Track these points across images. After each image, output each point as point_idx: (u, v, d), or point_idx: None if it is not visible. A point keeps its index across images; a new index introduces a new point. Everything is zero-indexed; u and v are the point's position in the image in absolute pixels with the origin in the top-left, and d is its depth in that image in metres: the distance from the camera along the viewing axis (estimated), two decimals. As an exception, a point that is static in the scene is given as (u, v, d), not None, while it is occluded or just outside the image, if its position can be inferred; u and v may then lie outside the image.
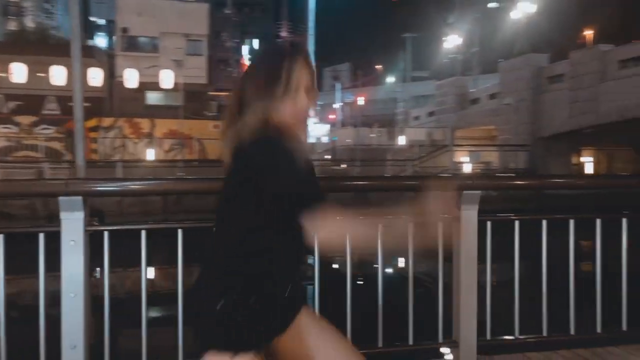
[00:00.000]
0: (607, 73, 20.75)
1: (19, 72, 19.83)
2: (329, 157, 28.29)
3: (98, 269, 2.72)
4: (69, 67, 21.36)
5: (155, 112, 23.65)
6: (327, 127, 50.22)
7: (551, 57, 25.02)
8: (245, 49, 41.29)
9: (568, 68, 22.29)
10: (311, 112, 1.52)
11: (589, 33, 39.65)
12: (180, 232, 2.65)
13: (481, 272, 2.94)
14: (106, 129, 22.85)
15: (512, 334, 3.06)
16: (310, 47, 55.04)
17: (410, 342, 2.97)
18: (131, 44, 24.39)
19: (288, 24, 51.86)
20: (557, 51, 26.58)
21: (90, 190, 2.52)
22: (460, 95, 30.37)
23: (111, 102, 23.81)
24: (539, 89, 23.57)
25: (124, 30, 24.28)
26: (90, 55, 23.95)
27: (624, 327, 3.17)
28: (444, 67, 41.83)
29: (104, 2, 37.29)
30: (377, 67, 62.89)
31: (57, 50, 24.38)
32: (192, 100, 23.07)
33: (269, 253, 1.47)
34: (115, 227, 2.65)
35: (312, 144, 38.10)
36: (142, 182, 2.67)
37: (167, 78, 22.22)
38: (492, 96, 27.58)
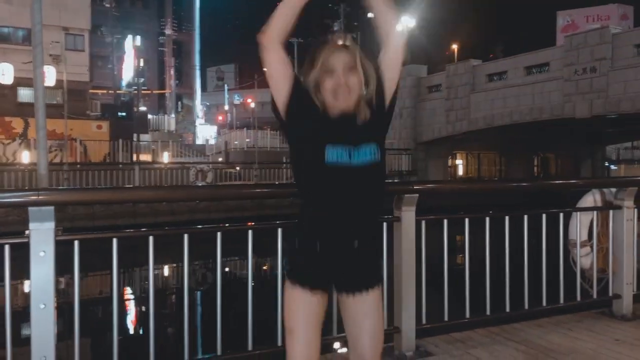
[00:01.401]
0: (476, 85, 23.16)
1: None
2: (222, 159, 27.95)
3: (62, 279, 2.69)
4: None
5: (29, 110, 21.63)
6: (215, 128, 49.44)
7: (428, 68, 27.26)
8: (127, 45, 39.14)
9: (444, 79, 24.48)
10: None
11: (455, 47, 43.80)
12: (151, 239, 2.73)
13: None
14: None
15: (442, 319, 3.55)
16: (196, 46, 53.83)
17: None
18: (0, 35, 22.11)
19: (172, 22, 50.16)
20: (433, 63, 29.05)
21: (63, 200, 2.50)
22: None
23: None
24: (419, 98, 25.58)
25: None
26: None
27: (526, 306, 3.84)
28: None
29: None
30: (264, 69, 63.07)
31: None
32: (73, 99, 21.46)
33: None
34: (86, 236, 2.65)
35: (203, 145, 37.32)
36: (111, 192, 2.69)
37: (47, 74, 20.43)
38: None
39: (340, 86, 1.75)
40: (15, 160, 19.72)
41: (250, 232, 2.95)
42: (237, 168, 22.77)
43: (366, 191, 1.80)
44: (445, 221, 3.55)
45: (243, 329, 2.89)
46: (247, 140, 30.12)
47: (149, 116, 36.28)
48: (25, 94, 22.64)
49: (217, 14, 59.42)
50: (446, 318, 3.56)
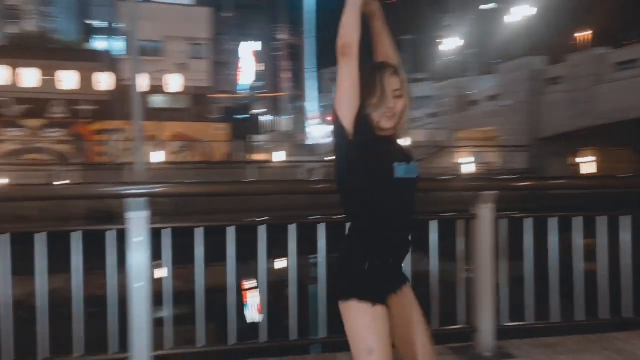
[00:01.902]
0: (603, 75, 21.14)
1: (26, 76, 20.10)
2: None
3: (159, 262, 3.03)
4: (76, 70, 21.72)
5: (159, 115, 23.97)
6: (330, 128, 50.28)
7: (548, 60, 25.42)
8: (242, 52, 41.49)
9: (566, 70, 22.67)
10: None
11: (583, 35, 40.13)
12: (232, 229, 2.96)
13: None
14: (112, 132, 23.15)
15: (523, 320, 3.40)
16: (305, 49, 55.46)
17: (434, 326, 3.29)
18: (139, 49, 24.76)
19: (286, 27, 52.17)
20: (553, 54, 27.01)
21: (155, 192, 2.84)
22: (460, 97, 30.75)
23: (118, 105, 24.13)
24: (537, 91, 23.95)
25: (129, 34, 24.59)
26: (96, 59, 24.24)
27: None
28: (442, 68, 42.25)
29: (104, 5, 37.55)
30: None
31: (64, 54, 24.67)
32: (195, 103, 23.36)
33: None
34: (175, 225, 2.97)
35: (312, 145, 38.42)
36: (201, 185, 2.99)
37: (173, 81, 22.52)
38: (491, 98, 27.95)
39: (389, 111, 1.88)
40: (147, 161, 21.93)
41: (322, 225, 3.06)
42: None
43: (415, 200, 1.98)
44: (531, 220, 3.39)
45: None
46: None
47: (265, 118, 38.12)
48: (156, 101, 25.08)
49: (335, 15, 60.42)
50: (531, 320, 3.41)
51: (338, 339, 2.70)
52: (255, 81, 36.74)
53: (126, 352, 2.86)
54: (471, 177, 4.05)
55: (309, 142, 45.02)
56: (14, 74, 20.95)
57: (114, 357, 2.92)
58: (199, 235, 2.98)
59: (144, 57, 24.64)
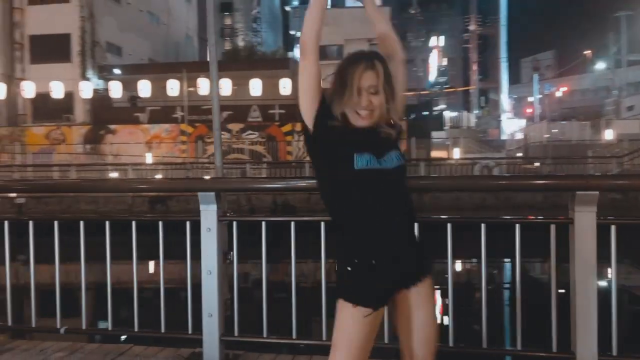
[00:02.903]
0: None
1: (226, 86, 22.94)
2: (520, 155, 26.39)
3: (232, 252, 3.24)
4: (263, 79, 24.10)
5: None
6: (523, 122, 46.70)
7: None
8: (429, 48, 40.90)
9: None
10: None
11: None
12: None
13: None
14: (299, 133, 25.08)
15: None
16: (502, 38, 51.97)
17: (519, 346, 2.87)
18: (320, 53, 26.40)
19: (476, 17, 49.74)
20: None
21: (221, 187, 3.06)
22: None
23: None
24: None
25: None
26: (286, 66, 26.49)
27: None
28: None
29: (302, 16, 40.79)
30: (585, 52, 55.74)
31: (257, 65, 27.56)
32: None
33: None
34: (241, 219, 3.15)
35: (501, 141, 36.03)
36: (266, 183, 3.13)
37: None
38: None
39: (364, 108, 1.79)
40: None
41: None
42: (537, 164, 21.17)
43: (401, 192, 1.84)
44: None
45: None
46: (549, 133, 27.54)
47: (448, 114, 37.04)
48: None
49: (529, 1, 56.03)
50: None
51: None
52: (440, 76, 35.95)
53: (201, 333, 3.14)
54: (565, 175, 3.35)
55: (502, 137, 42.33)
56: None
57: (190, 337, 3.22)
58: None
59: (328, 62, 26.22)
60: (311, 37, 1.82)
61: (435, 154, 23.47)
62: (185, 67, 25.47)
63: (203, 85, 23.18)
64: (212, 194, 3.07)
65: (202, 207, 3.11)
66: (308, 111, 1.83)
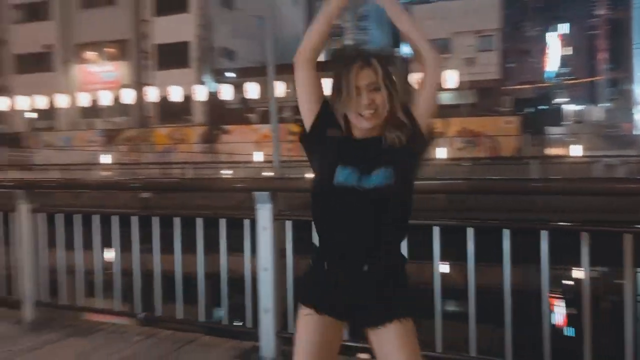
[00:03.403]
0: None
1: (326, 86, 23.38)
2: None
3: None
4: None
5: (446, 111, 24.40)
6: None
7: None
8: (550, 36, 37.98)
9: None
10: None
11: None
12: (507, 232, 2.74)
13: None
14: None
15: None
16: (637, 21, 46.56)
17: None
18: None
19: (603, 1, 45.14)
20: None
21: (276, 187, 3.14)
22: None
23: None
24: None
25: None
26: (392, 63, 26.25)
27: None
28: None
29: (410, 11, 40.08)
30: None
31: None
32: (483, 97, 22.74)
33: None
34: (299, 217, 3.19)
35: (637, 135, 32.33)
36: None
37: (452, 77, 22.55)
38: None
39: (364, 106, 1.70)
40: (434, 157, 22.61)
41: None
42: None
43: (377, 215, 1.68)
44: None
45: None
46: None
47: (569, 107, 34.16)
48: (444, 97, 25.53)
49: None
50: None
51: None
52: (561, 67, 33.26)
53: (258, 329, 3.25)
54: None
55: (636, 132, 38.07)
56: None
57: (248, 330, 3.35)
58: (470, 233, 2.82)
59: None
60: (306, 49, 1.78)
61: (552, 151, 21.80)
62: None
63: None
64: (267, 193, 3.16)
65: (257, 206, 3.21)
66: (305, 120, 1.81)
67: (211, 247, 3.39)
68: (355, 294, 1.72)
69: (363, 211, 1.67)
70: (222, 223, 3.38)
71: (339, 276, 1.72)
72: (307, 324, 1.74)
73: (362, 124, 1.72)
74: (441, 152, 22.14)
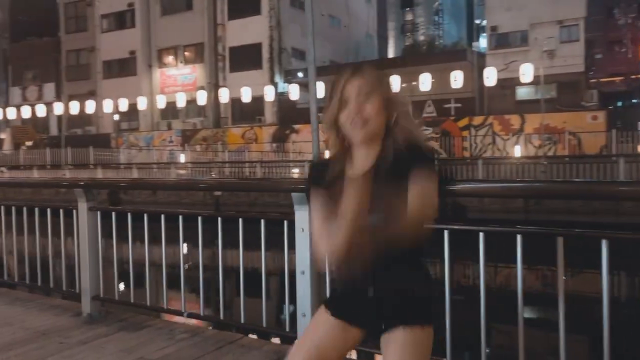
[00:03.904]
0: None
1: (395, 83, 22.86)
2: None
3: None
4: (434, 73, 23.40)
5: (525, 107, 23.16)
6: None
7: None
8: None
9: None
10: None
11: None
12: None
13: None
14: (476, 127, 23.83)
15: None
16: None
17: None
18: (500, 41, 24.57)
19: None
20: None
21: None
22: None
23: (481, 101, 24.60)
24: None
25: (493, 28, 24.64)
26: (463, 58, 25.35)
27: None
28: None
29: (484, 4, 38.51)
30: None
31: (431, 59, 26.88)
32: (565, 91, 21.30)
33: None
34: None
35: None
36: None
37: (529, 70, 21.29)
38: None
39: (354, 115, 1.65)
40: (509, 154, 21.53)
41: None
42: None
43: (378, 241, 1.61)
44: None
45: None
46: None
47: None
48: (522, 92, 24.26)
49: None
50: None
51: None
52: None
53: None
54: None
55: None
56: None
57: (287, 334, 3.28)
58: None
59: (508, 50, 24.25)
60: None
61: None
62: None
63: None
64: (304, 194, 3.06)
65: (295, 208, 3.12)
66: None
67: (252, 246, 3.37)
68: (367, 313, 1.73)
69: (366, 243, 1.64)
70: (262, 224, 3.33)
71: (348, 297, 1.76)
72: (317, 321, 1.80)
73: (354, 134, 1.68)
74: (517, 151, 21.08)
